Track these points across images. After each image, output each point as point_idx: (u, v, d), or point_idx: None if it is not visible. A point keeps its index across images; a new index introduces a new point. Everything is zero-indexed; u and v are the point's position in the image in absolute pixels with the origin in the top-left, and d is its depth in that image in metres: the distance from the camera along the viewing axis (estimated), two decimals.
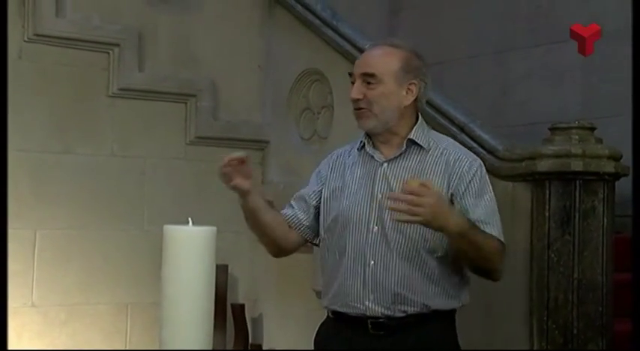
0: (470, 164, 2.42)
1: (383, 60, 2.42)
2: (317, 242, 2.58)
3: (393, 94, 2.41)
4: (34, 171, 3.58)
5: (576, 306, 2.74)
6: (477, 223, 2.35)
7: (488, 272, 2.41)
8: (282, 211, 2.57)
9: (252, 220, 2.49)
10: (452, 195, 2.40)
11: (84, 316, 3.64)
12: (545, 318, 2.76)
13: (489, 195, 2.42)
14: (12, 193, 3.47)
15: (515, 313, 2.88)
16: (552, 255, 2.77)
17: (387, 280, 2.40)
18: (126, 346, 3.71)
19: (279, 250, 2.59)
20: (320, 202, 2.54)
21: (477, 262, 2.37)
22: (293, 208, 2.56)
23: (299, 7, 3.87)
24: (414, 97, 2.44)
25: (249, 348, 3.75)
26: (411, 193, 2.18)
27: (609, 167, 2.76)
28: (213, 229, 2.01)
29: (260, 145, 4.08)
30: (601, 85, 4.05)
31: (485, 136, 3.07)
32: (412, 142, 2.45)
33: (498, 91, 4.50)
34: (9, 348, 3.41)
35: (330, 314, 2.53)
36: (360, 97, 2.40)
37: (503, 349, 2.89)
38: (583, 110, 4.02)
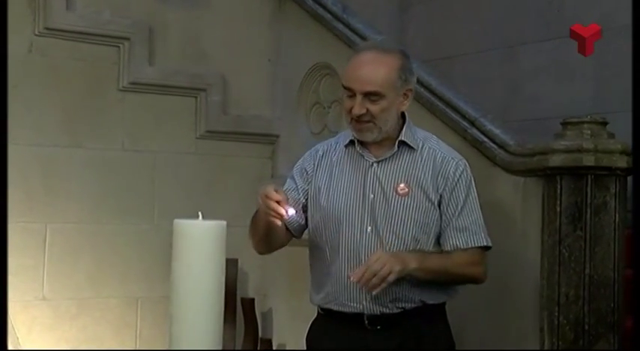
0: (456, 165, 2.47)
1: (382, 74, 2.39)
2: (300, 237, 2.59)
3: (394, 105, 2.43)
4: (44, 165, 3.59)
5: (587, 302, 2.72)
6: (458, 232, 2.43)
7: (468, 282, 2.51)
8: None
9: (268, 235, 2.48)
10: (440, 196, 2.45)
11: (94, 310, 3.65)
12: (556, 314, 2.74)
13: (472, 195, 2.48)
14: (23, 187, 3.49)
15: (526, 309, 2.87)
16: (564, 251, 2.75)
17: None
18: (136, 340, 3.72)
19: (268, 250, 2.62)
20: (307, 197, 2.54)
21: (451, 282, 2.47)
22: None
23: (309, 2, 3.86)
24: (410, 102, 2.47)
25: (259, 342, 3.75)
26: (368, 269, 2.25)
27: (621, 162, 2.74)
28: (223, 223, 2.01)
29: (270, 139, 4.08)
30: (613, 79, 4.02)
31: (496, 131, 3.05)
32: (402, 143, 2.47)
33: (509, 86, 4.47)
34: (19, 341, 3.43)
35: (320, 311, 2.53)
36: (364, 111, 2.40)
37: (514, 343, 2.88)
38: (595, 105, 3.99)
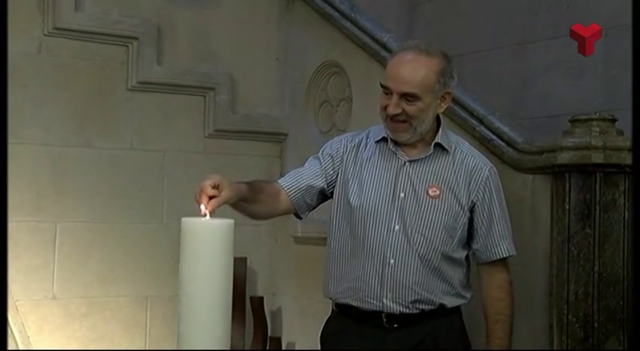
0: (489, 172, 2.50)
1: (421, 76, 2.38)
2: (304, 217, 2.56)
3: (431, 107, 2.43)
4: (54, 164, 3.59)
5: (597, 300, 2.71)
6: (500, 239, 2.50)
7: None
8: (283, 183, 2.50)
9: (243, 212, 2.43)
10: (472, 202, 2.47)
11: (104, 309, 3.66)
12: (565, 311, 2.73)
13: (503, 201, 2.54)
14: (33, 186, 3.51)
15: (536, 307, 2.86)
16: (572, 248, 2.74)
17: (407, 279, 2.42)
18: (145, 339, 3.73)
19: (263, 217, 2.59)
20: (330, 185, 2.52)
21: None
22: (297, 180, 2.50)
23: (317, 0, 3.85)
24: (447, 105, 2.48)
25: (268, 341, 3.75)
26: None
27: (630, 159, 2.72)
28: (231, 221, 2.01)
29: (278, 138, 4.08)
30: (623, 76, 4.00)
31: (504, 129, 3.04)
32: (437, 145, 2.48)
33: (519, 84, 4.46)
34: (30, 340, 3.44)
35: (335, 308, 2.53)
36: (399, 111, 2.40)
37: (525, 342, 2.87)
38: (605, 101, 3.97)
